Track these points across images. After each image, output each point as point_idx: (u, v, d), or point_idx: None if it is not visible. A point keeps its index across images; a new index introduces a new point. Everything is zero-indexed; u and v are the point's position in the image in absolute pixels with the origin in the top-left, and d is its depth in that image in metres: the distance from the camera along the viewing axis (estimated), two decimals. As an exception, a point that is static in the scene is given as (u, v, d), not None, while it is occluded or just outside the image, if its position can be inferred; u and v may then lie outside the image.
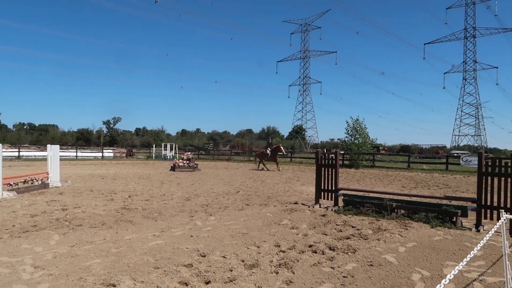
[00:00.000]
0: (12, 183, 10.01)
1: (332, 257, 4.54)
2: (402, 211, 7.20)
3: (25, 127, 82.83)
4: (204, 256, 4.54)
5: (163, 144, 40.61)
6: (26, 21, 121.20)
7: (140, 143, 76.39)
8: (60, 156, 12.66)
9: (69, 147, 45.24)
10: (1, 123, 75.12)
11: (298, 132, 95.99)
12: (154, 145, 44.66)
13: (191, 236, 5.55)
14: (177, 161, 20.94)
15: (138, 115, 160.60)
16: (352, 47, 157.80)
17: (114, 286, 3.56)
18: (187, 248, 4.88)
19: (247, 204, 8.66)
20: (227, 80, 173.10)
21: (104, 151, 39.99)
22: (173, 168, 20.07)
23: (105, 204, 8.37)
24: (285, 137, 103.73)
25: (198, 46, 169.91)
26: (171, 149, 38.44)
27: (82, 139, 76.52)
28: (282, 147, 22.85)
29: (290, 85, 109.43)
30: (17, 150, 34.01)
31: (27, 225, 6.13)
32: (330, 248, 4.94)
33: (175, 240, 5.27)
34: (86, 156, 36.73)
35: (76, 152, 36.74)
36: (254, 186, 12.75)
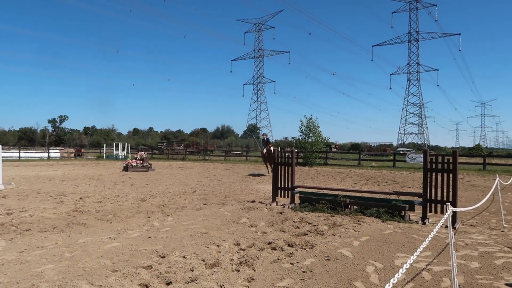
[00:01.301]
0: None
1: (291, 253, 4.66)
2: (355, 207, 7.51)
3: (-41, 125, 76.82)
4: (164, 257, 4.49)
5: (114, 143, 39.25)
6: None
7: (90, 142, 73.53)
8: (1, 157, 11.87)
9: (11, 147, 42.46)
10: None
11: (252, 131, 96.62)
12: (105, 145, 43.10)
13: (149, 237, 5.45)
14: (130, 161, 20.32)
15: (87, 114, 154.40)
16: (304, 48, 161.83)
17: (70, 291, 3.43)
18: (146, 249, 4.79)
19: (205, 204, 8.63)
20: (181, 78, 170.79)
21: (50, 151, 37.91)
22: (126, 168, 19.47)
23: (55, 207, 7.98)
24: (239, 135, 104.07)
25: (150, 42, 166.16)
26: (123, 149, 37.28)
27: (25, 138, 72.40)
28: (271, 147, 17.83)
29: (244, 84, 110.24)
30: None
31: (-32, 232, 5.71)
32: (288, 245, 5.06)
33: (133, 242, 5.16)
34: (30, 157, 34.65)
35: (19, 152, 34.50)
36: (210, 185, 12.70)
